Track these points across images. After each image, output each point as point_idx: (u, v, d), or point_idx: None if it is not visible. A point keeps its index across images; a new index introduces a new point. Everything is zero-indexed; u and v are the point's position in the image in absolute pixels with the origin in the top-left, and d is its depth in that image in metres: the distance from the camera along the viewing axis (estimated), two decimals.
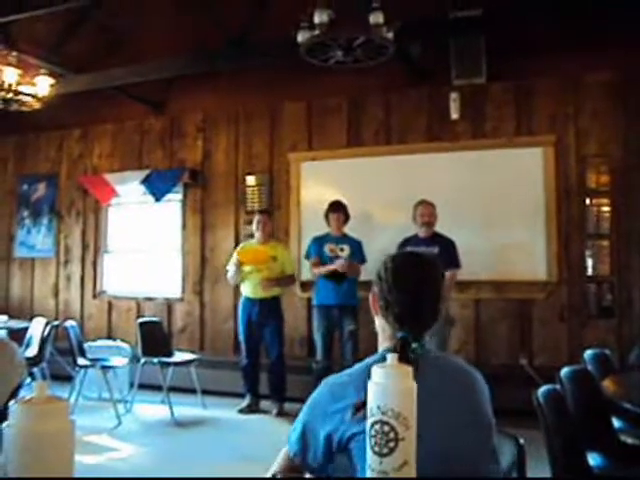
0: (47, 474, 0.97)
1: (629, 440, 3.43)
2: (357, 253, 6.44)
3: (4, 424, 0.99)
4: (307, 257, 6.63)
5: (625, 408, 2.89)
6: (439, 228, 6.09)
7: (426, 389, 1.43)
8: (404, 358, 1.58)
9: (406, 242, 6.03)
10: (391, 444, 1.18)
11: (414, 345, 1.63)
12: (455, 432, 1.65)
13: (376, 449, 1.20)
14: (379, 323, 1.80)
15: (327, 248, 6.47)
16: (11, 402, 1.02)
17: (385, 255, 1.84)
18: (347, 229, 6.54)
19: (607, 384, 3.27)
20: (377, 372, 1.22)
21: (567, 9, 5.61)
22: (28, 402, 0.99)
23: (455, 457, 1.62)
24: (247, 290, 6.61)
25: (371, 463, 1.21)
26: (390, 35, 4.79)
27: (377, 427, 1.19)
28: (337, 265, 6.25)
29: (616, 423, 3.44)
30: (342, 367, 6.13)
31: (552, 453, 2.65)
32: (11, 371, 2.49)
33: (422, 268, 1.79)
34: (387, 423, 1.18)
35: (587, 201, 6.45)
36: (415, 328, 1.70)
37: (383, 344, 1.79)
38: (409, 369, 1.23)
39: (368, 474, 1.22)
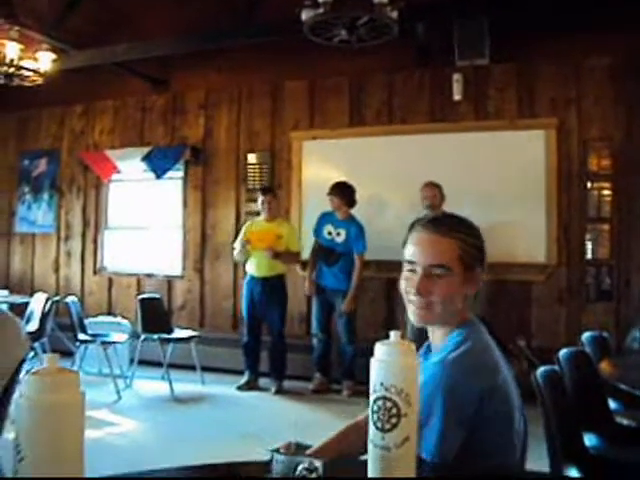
0: (59, 445, 0.99)
1: (625, 421, 3.47)
2: (354, 239, 6.40)
3: (16, 395, 1.01)
4: (314, 234, 6.66)
5: (621, 390, 2.91)
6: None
7: None
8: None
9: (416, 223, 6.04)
10: (393, 420, 1.21)
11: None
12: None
13: (379, 425, 1.22)
14: (464, 305, 1.69)
15: (325, 230, 6.50)
16: (20, 375, 1.04)
17: (473, 228, 1.76)
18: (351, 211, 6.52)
19: (604, 366, 3.30)
20: (380, 349, 1.24)
21: None
22: (40, 373, 1.01)
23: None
24: (252, 268, 6.63)
25: (373, 438, 1.23)
26: (394, 15, 4.79)
27: (380, 403, 1.21)
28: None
29: (612, 404, 3.48)
30: (339, 349, 6.22)
31: (549, 433, 2.68)
32: (17, 345, 2.51)
33: None
34: (390, 399, 1.20)
35: (588, 184, 6.45)
36: None
37: (453, 322, 1.68)
38: (412, 346, 1.25)
39: (370, 449, 1.24)
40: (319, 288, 6.57)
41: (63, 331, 7.09)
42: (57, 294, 7.92)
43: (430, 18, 6.14)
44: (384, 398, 1.21)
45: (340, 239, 6.45)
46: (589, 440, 2.96)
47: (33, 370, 1.02)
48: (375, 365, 1.23)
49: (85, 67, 7.21)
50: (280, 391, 6.49)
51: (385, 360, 1.22)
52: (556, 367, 3.02)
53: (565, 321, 6.40)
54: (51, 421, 0.99)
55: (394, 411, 1.20)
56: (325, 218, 6.56)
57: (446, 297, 1.64)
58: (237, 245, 6.63)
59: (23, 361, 2.51)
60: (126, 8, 6.96)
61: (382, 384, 1.21)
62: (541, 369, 2.77)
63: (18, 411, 1.01)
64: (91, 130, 8.55)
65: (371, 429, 1.23)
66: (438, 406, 1.50)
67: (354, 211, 6.49)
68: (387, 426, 1.21)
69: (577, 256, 6.43)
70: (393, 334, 1.25)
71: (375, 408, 1.22)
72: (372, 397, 1.23)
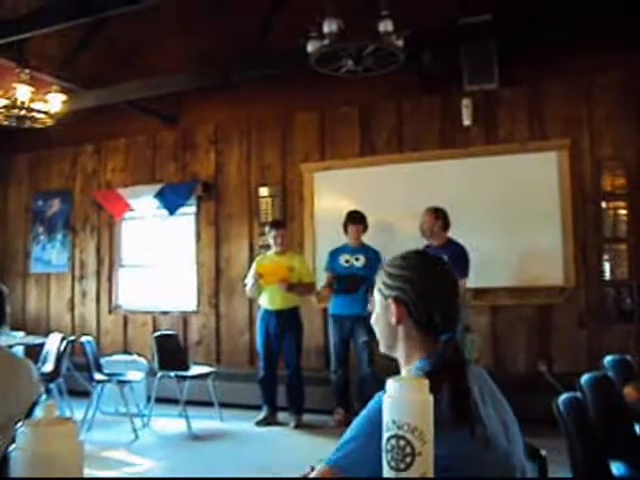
0: None
1: None
2: (374, 262, 6.39)
3: (11, 447, 0.97)
4: (325, 270, 6.64)
5: None
6: (455, 234, 6.06)
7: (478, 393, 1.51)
8: (460, 360, 1.56)
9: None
10: (408, 459, 1.15)
11: (469, 342, 1.63)
12: (517, 437, 1.63)
13: (393, 464, 1.17)
14: (406, 331, 1.66)
15: (342, 259, 6.48)
16: (20, 423, 1.00)
17: (394, 258, 1.76)
18: (362, 238, 6.53)
19: (629, 390, 3.22)
20: (392, 385, 1.19)
21: (577, 11, 5.58)
22: (35, 424, 0.97)
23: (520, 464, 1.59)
24: (265, 302, 6.59)
25: (388, 478, 1.18)
26: (400, 43, 4.80)
27: (393, 442, 1.16)
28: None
29: (639, 430, 3.39)
30: (359, 377, 6.16)
31: (574, 463, 2.60)
32: (30, 388, 2.49)
33: (446, 266, 1.75)
34: (403, 437, 1.15)
35: (603, 204, 6.39)
36: (456, 327, 1.65)
37: (413, 354, 1.65)
38: (425, 382, 1.20)
39: None
40: (337, 320, 6.49)
41: (79, 371, 7.05)
42: (73, 334, 7.90)
43: (436, 44, 6.14)
44: (397, 436, 1.16)
45: (360, 264, 6.43)
46: (617, 469, 2.87)
47: (28, 420, 0.98)
48: (387, 402, 1.18)
49: (95, 107, 7.27)
50: (299, 425, 6.40)
51: (397, 397, 1.17)
52: (578, 393, 2.94)
53: (586, 344, 6.29)
54: (47, 472, 0.95)
55: (408, 450, 1.15)
56: (337, 252, 6.56)
57: (377, 330, 1.74)
58: (249, 280, 6.61)
59: (35, 404, 2.48)
60: (135, 45, 7.02)
61: (394, 422, 1.16)
62: (563, 396, 2.70)
63: (13, 463, 0.97)
64: (103, 169, 8.61)
65: (385, 469, 1.18)
66: (358, 425, 1.54)
67: (364, 239, 6.52)
68: (402, 465, 1.16)
69: (595, 277, 6.34)
70: (405, 370, 1.20)
71: (389, 447, 1.17)
72: (385, 436, 1.18)
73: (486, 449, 1.49)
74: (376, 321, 1.73)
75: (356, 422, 1.55)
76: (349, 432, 1.55)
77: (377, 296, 1.72)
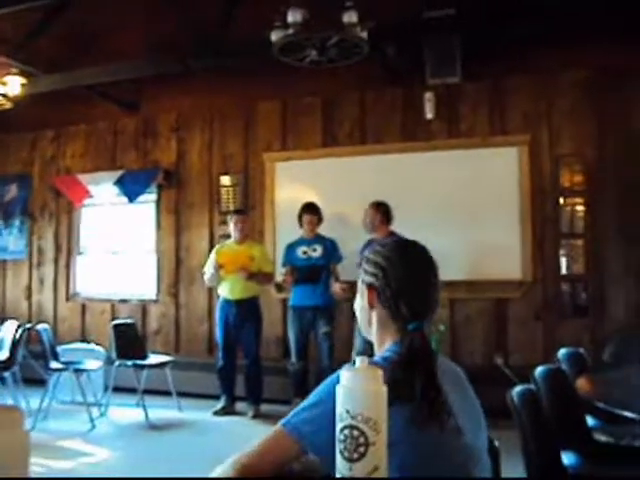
0: None
1: (603, 438, 3.44)
2: (332, 252, 6.46)
3: None
4: (283, 266, 6.64)
5: (598, 407, 2.89)
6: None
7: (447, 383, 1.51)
8: (426, 350, 1.55)
9: (365, 246, 6.09)
10: (361, 449, 1.16)
11: (434, 334, 1.61)
12: (478, 431, 1.62)
13: (346, 454, 1.17)
14: (378, 316, 1.68)
15: (300, 251, 6.49)
16: None
17: (377, 244, 1.78)
18: (322, 229, 6.54)
19: (581, 383, 3.28)
20: (346, 375, 1.19)
21: (541, 7, 5.63)
22: None
23: (479, 457, 1.59)
24: (225, 291, 6.58)
25: (341, 469, 1.18)
26: (364, 34, 4.80)
27: (346, 432, 1.17)
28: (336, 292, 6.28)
29: (590, 421, 3.46)
30: (319, 369, 6.17)
31: (527, 453, 2.64)
32: None
33: (428, 253, 1.74)
34: (356, 428, 1.16)
35: (561, 200, 6.48)
36: (426, 318, 1.63)
37: (384, 339, 1.67)
38: (379, 372, 1.21)
39: None
40: (297, 311, 6.50)
41: (35, 359, 6.95)
42: (29, 321, 7.78)
43: (400, 37, 6.15)
44: (351, 427, 1.16)
45: (317, 254, 6.46)
46: (567, 458, 2.93)
47: None
48: (341, 392, 1.19)
49: (55, 91, 7.13)
50: (257, 415, 6.40)
51: (350, 387, 1.18)
52: (532, 386, 2.99)
53: (542, 338, 6.39)
54: None
55: (361, 440, 1.16)
56: (294, 245, 6.58)
57: (357, 311, 1.77)
58: (208, 269, 6.58)
59: None
60: (96, 30, 6.89)
61: (348, 412, 1.17)
62: (517, 388, 2.74)
63: None
64: (62, 155, 8.47)
65: (338, 459, 1.18)
66: (321, 392, 1.56)
67: (325, 231, 6.57)
68: (355, 456, 1.16)
69: (552, 272, 6.44)
70: (359, 359, 1.21)
71: (342, 437, 1.17)
72: (338, 426, 1.18)
73: (455, 438, 1.49)
74: (357, 305, 1.77)
75: (319, 390, 1.57)
76: (311, 398, 1.56)
77: (359, 282, 1.75)
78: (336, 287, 6.24)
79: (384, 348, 1.66)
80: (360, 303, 1.75)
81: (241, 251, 6.52)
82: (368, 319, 1.72)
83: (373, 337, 1.72)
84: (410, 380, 1.46)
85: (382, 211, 6.19)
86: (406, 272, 1.66)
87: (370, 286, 1.68)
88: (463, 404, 1.60)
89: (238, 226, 6.58)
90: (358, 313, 1.77)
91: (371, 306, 1.69)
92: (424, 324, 1.60)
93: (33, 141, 8.63)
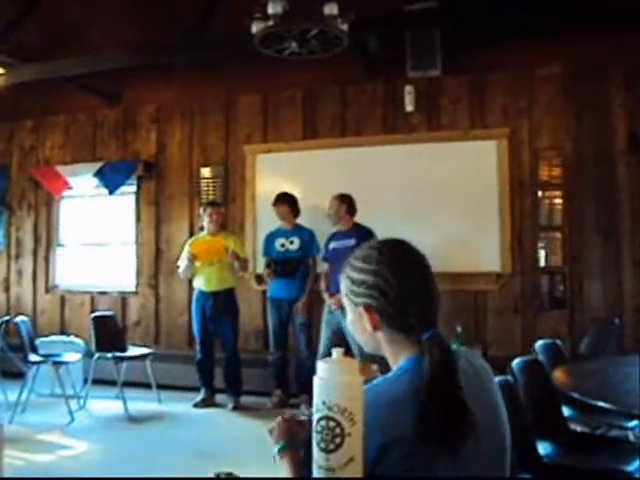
0: None
1: (578, 428, 3.49)
2: (309, 244, 6.50)
3: None
4: (263, 256, 6.70)
5: (574, 397, 2.92)
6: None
7: (468, 386, 1.36)
8: (448, 360, 1.37)
9: (330, 238, 6.23)
10: (337, 440, 1.17)
11: (453, 340, 1.50)
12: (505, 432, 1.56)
13: (322, 445, 1.19)
14: (386, 337, 1.51)
15: (278, 243, 6.52)
16: None
17: (354, 258, 1.56)
18: (302, 222, 6.55)
19: (558, 374, 3.32)
20: (322, 367, 1.20)
21: (521, 2, 5.66)
22: None
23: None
24: (200, 283, 6.57)
25: (317, 459, 1.19)
26: (345, 27, 4.80)
27: (323, 423, 1.18)
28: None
29: (566, 412, 3.50)
30: (297, 360, 6.21)
31: None
32: None
33: (411, 249, 1.57)
34: (333, 419, 1.17)
35: (540, 193, 6.53)
36: (437, 322, 1.51)
37: (397, 356, 1.50)
38: (355, 362, 1.22)
39: (314, 471, 1.20)
40: (275, 303, 6.54)
41: (14, 352, 6.90)
42: (8, 313, 7.72)
43: (381, 29, 6.16)
44: (327, 418, 1.18)
45: (294, 247, 6.49)
46: (543, 448, 2.97)
47: None
48: (317, 383, 1.20)
49: (35, 82, 7.05)
50: (237, 407, 6.40)
51: (327, 378, 1.19)
52: (509, 377, 3.02)
53: (520, 330, 6.44)
54: None
55: (338, 431, 1.17)
56: (272, 236, 6.63)
57: (355, 334, 1.59)
58: (182, 262, 6.59)
59: None
60: (76, 21, 6.86)
61: (324, 403, 1.18)
62: (495, 379, 2.76)
63: None
64: (41, 145, 8.39)
65: (315, 450, 1.20)
66: None
67: (305, 223, 6.61)
68: (331, 446, 1.18)
69: (530, 265, 6.49)
70: (335, 352, 1.22)
71: (318, 428, 1.19)
72: (315, 417, 1.20)
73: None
74: (352, 325, 1.58)
75: None
76: None
77: (346, 300, 1.57)
78: (331, 302, 6.08)
79: (400, 361, 1.49)
80: (358, 326, 1.55)
81: (215, 241, 6.53)
82: (374, 341, 1.54)
83: (385, 354, 1.54)
84: (439, 413, 1.30)
85: (347, 202, 6.21)
86: (403, 283, 1.49)
87: (367, 307, 1.50)
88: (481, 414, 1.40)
89: (212, 217, 6.57)
90: (357, 335, 1.58)
91: (375, 328, 1.50)
92: (437, 329, 1.46)
93: (11, 131, 8.53)
